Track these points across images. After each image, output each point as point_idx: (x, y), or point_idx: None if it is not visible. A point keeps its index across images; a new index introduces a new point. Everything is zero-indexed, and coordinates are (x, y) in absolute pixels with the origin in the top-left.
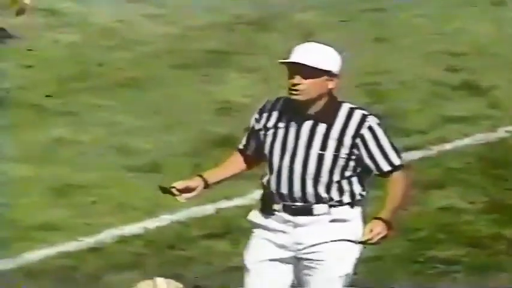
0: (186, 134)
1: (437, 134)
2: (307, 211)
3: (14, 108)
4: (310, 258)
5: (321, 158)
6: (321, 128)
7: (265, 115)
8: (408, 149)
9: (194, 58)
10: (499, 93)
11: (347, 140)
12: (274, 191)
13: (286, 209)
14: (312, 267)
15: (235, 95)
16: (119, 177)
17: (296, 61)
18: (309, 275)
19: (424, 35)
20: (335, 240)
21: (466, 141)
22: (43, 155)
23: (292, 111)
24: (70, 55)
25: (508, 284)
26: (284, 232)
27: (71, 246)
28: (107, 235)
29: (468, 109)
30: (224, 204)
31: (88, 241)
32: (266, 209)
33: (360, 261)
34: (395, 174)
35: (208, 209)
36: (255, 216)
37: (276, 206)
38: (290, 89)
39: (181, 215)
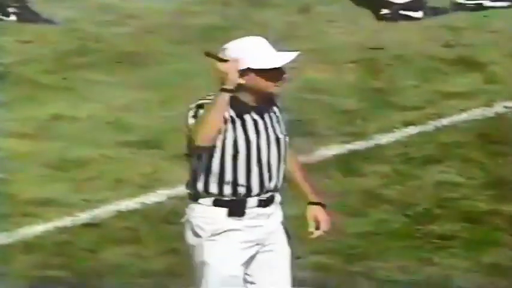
0: (183, 110)
1: (434, 110)
2: (272, 199)
3: (11, 83)
4: (273, 242)
5: (284, 143)
6: (273, 114)
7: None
8: (405, 124)
9: (191, 33)
10: (496, 68)
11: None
12: (255, 187)
13: (260, 203)
14: (273, 251)
15: None
16: (116, 152)
17: (290, 59)
18: (272, 260)
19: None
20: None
21: (463, 116)
22: (40, 130)
23: (245, 106)
24: (67, 31)
25: (505, 259)
26: (259, 226)
27: (67, 221)
28: (103, 210)
29: (465, 84)
30: None
31: (85, 216)
32: (238, 210)
33: (358, 236)
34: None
35: None
36: (225, 221)
37: (250, 204)
38: (275, 85)
39: (178, 190)
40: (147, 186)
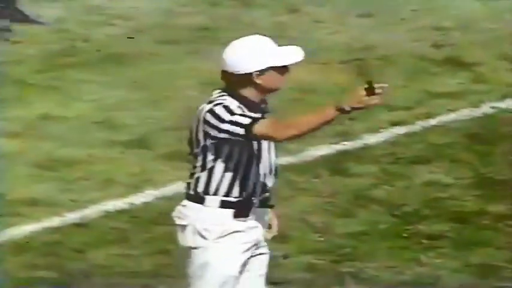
0: (172, 110)
1: (422, 110)
2: (269, 199)
3: (0, 83)
4: (263, 245)
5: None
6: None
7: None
8: (393, 124)
9: (180, 34)
10: (484, 69)
11: None
12: (258, 188)
13: (260, 203)
14: (265, 254)
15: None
16: (104, 152)
17: (302, 53)
18: (263, 266)
19: (410, 10)
20: None
21: (451, 116)
22: (29, 130)
23: (254, 108)
24: (56, 31)
25: (493, 259)
26: (257, 227)
27: (56, 221)
28: (92, 211)
29: (453, 85)
30: None
31: (73, 216)
32: (244, 211)
33: (347, 236)
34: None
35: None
36: (232, 223)
37: (254, 204)
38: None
39: (166, 190)
40: (135, 187)
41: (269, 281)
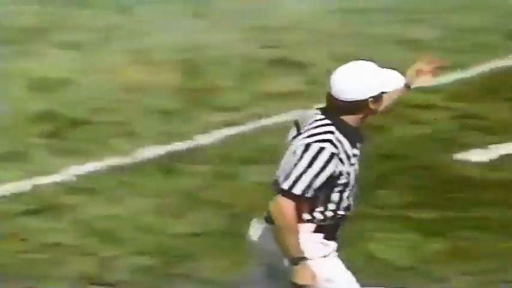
0: (2, 111)
1: (253, 111)
2: (348, 217)
3: None
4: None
5: None
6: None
7: (343, 155)
8: (224, 125)
9: (9, 34)
10: (316, 69)
11: None
12: (347, 211)
13: (341, 223)
14: None
15: (52, 71)
16: None
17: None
18: None
19: (242, 11)
20: None
21: (283, 117)
22: None
23: (355, 134)
24: None
25: None
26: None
27: None
28: None
29: (285, 85)
30: (40, 180)
31: None
32: (333, 233)
33: (179, 237)
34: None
35: (24, 185)
36: (326, 245)
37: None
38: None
39: None
40: None
41: (99, 282)
